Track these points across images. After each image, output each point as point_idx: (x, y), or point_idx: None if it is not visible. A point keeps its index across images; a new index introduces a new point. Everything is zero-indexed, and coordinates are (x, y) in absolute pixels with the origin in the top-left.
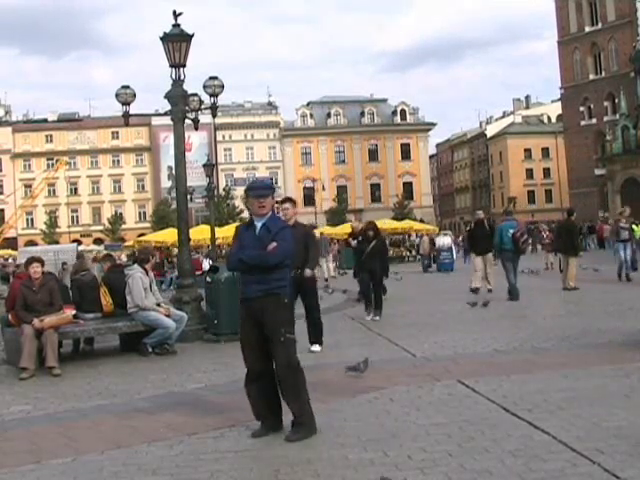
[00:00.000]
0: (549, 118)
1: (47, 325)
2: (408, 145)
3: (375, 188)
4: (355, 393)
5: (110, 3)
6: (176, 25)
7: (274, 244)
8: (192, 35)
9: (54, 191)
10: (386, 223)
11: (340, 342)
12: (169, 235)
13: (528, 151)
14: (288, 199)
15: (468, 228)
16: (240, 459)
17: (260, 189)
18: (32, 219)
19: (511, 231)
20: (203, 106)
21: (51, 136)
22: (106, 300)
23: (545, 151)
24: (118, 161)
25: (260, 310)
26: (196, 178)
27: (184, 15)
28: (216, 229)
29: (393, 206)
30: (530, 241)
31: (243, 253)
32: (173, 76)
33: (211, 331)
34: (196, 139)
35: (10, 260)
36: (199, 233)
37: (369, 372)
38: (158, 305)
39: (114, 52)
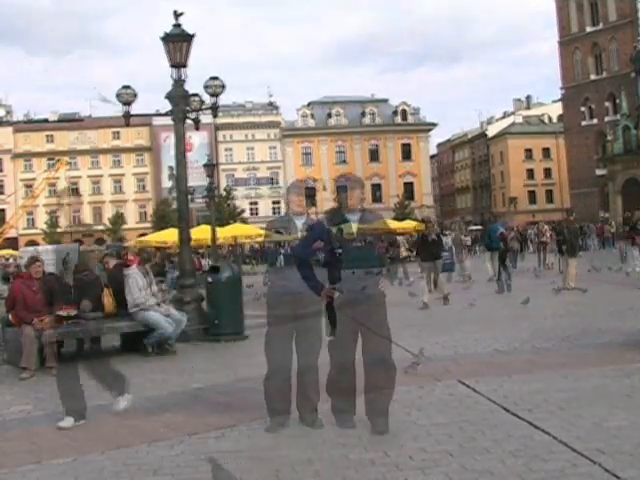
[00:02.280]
0: (550, 118)
1: (47, 325)
2: (409, 145)
3: (376, 188)
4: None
5: (111, 3)
6: (177, 25)
7: (321, 242)
8: (193, 35)
9: (55, 191)
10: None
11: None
12: (170, 235)
13: (529, 151)
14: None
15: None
16: (241, 459)
17: (304, 188)
18: (33, 219)
19: (499, 231)
20: (204, 106)
21: (52, 136)
22: (109, 300)
23: (546, 151)
24: (119, 161)
25: (302, 302)
26: (197, 178)
27: (185, 15)
28: (217, 229)
29: (394, 206)
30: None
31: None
32: (174, 76)
33: (212, 331)
34: (197, 139)
35: (10, 260)
36: (200, 233)
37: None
38: (158, 305)
39: (115, 52)
